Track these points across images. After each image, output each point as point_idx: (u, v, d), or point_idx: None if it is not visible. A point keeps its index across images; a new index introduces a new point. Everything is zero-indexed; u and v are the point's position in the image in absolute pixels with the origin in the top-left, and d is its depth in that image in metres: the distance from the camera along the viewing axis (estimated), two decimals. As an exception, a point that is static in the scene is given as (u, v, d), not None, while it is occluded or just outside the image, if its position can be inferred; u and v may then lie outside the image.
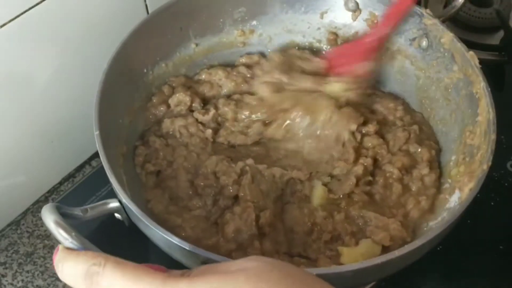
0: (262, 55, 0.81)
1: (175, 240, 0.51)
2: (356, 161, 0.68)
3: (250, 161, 0.67)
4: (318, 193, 0.65)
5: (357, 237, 0.62)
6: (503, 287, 0.68)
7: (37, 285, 0.69)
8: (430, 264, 0.67)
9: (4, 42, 0.60)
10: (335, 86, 0.67)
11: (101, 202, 0.57)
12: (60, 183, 0.78)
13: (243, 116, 0.71)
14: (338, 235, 0.62)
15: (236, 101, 0.73)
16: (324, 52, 0.71)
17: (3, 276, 0.69)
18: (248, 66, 0.78)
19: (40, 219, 0.74)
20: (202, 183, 0.65)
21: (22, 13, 0.60)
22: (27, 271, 0.70)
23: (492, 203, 0.74)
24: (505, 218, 0.73)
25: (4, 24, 0.59)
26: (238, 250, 0.60)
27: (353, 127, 0.68)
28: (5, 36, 0.60)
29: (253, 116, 0.71)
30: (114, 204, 0.57)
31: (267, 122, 0.71)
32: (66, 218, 0.51)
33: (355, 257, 0.60)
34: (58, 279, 0.69)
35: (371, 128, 0.69)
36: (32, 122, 0.70)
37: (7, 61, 0.62)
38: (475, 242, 0.71)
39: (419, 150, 0.68)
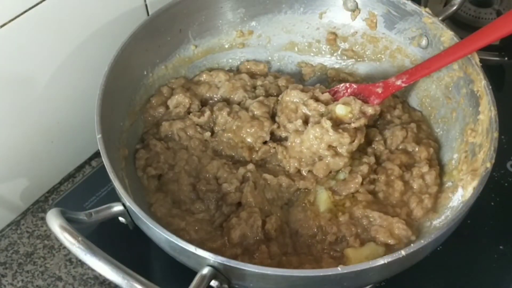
0: (268, 63, 0.81)
1: (181, 243, 0.51)
2: (360, 159, 0.69)
3: (251, 166, 0.67)
4: (324, 198, 0.66)
5: (361, 238, 0.62)
6: (503, 287, 0.68)
7: (37, 285, 0.69)
8: (430, 264, 0.67)
9: (4, 42, 0.60)
10: (341, 109, 0.68)
11: (105, 206, 0.57)
12: (60, 183, 0.79)
13: (234, 128, 0.71)
14: (342, 236, 0.63)
15: (231, 110, 0.72)
16: (335, 88, 0.72)
17: (3, 276, 0.69)
18: (252, 74, 0.78)
19: (40, 219, 0.74)
20: (204, 188, 0.66)
21: (22, 13, 0.60)
22: (27, 271, 0.70)
23: (492, 203, 0.74)
24: (505, 218, 0.73)
25: (4, 24, 0.59)
26: (244, 254, 0.60)
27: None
28: (5, 36, 0.60)
29: (242, 132, 0.70)
30: (118, 208, 0.57)
31: (252, 146, 0.70)
32: (71, 223, 0.52)
33: (359, 260, 0.60)
34: (58, 279, 0.69)
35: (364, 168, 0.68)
36: (32, 122, 0.70)
37: (7, 61, 0.62)
38: (475, 242, 0.71)
39: (417, 149, 0.69)
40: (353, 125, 0.67)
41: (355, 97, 0.69)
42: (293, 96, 0.70)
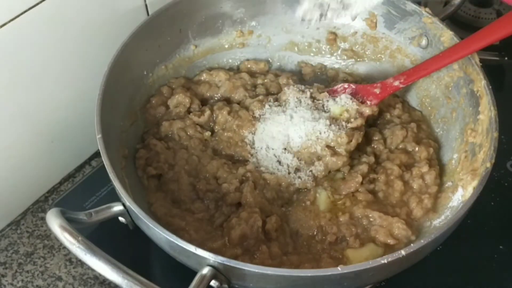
0: (268, 62, 0.81)
1: (181, 243, 0.51)
2: (359, 158, 0.69)
3: (250, 166, 0.67)
4: (323, 198, 0.66)
5: (361, 238, 0.63)
6: (503, 287, 0.68)
7: (37, 285, 0.69)
8: (430, 264, 0.67)
9: (4, 42, 0.60)
10: (336, 108, 0.69)
11: (105, 206, 0.57)
12: (60, 183, 0.78)
13: (234, 127, 0.71)
14: (342, 237, 0.63)
15: (232, 109, 0.72)
16: (334, 88, 0.73)
17: (3, 276, 0.69)
18: (252, 73, 0.79)
19: (40, 219, 0.74)
20: (203, 188, 0.66)
21: (22, 13, 0.60)
22: (27, 271, 0.70)
23: (492, 203, 0.74)
24: (505, 218, 0.73)
25: (4, 24, 0.59)
26: (244, 255, 0.60)
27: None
28: (5, 36, 0.60)
29: (243, 131, 0.71)
30: (118, 207, 0.57)
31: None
32: (71, 223, 0.52)
33: (359, 261, 0.60)
34: (58, 279, 0.69)
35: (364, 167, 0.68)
36: (32, 122, 0.70)
37: (8, 61, 0.62)
38: (475, 242, 0.71)
39: (417, 149, 0.69)
40: (350, 125, 0.67)
41: (352, 97, 0.69)
42: (289, 96, 0.71)
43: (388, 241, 0.61)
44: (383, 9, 0.74)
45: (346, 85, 0.72)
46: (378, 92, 0.70)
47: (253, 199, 0.64)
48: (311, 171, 0.67)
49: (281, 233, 0.63)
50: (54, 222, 0.51)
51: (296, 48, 0.82)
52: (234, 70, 0.80)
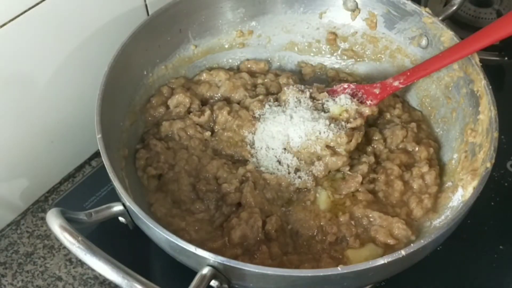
0: (268, 62, 0.81)
1: (181, 243, 0.51)
2: (359, 158, 0.69)
3: (250, 166, 0.67)
4: (323, 198, 0.66)
5: (361, 238, 0.63)
6: (503, 287, 0.68)
7: (37, 285, 0.69)
8: (430, 264, 0.67)
9: (4, 42, 0.60)
10: (336, 108, 0.69)
11: (105, 206, 0.57)
12: (60, 183, 0.79)
13: (235, 127, 0.71)
14: (342, 237, 0.63)
15: (232, 109, 0.72)
16: (334, 88, 0.73)
17: (3, 276, 0.69)
18: (252, 73, 0.79)
19: (40, 219, 0.74)
20: (204, 188, 0.66)
21: (22, 13, 0.60)
22: (27, 271, 0.70)
23: (492, 203, 0.74)
24: (505, 218, 0.73)
25: (4, 24, 0.59)
26: (244, 255, 0.60)
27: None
28: (5, 36, 0.60)
29: (243, 131, 0.71)
30: (118, 207, 0.57)
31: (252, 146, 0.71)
32: (71, 223, 0.52)
33: (359, 261, 0.59)
34: (58, 279, 0.69)
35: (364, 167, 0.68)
36: (32, 122, 0.70)
37: (8, 61, 0.62)
38: (475, 242, 0.71)
39: (417, 148, 0.69)
40: (349, 125, 0.68)
41: (352, 97, 0.70)
42: (289, 96, 0.71)
43: (388, 241, 0.61)
44: (383, 9, 0.74)
45: (346, 85, 0.72)
46: (378, 92, 0.70)
47: (253, 199, 0.64)
48: (311, 171, 0.68)
49: (281, 233, 0.63)
50: (54, 222, 0.51)
51: (296, 48, 0.82)
52: (234, 70, 0.80)
